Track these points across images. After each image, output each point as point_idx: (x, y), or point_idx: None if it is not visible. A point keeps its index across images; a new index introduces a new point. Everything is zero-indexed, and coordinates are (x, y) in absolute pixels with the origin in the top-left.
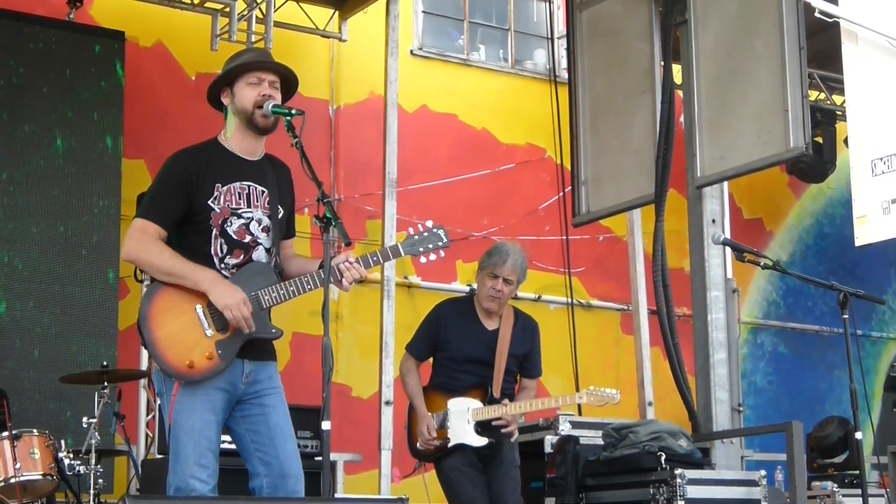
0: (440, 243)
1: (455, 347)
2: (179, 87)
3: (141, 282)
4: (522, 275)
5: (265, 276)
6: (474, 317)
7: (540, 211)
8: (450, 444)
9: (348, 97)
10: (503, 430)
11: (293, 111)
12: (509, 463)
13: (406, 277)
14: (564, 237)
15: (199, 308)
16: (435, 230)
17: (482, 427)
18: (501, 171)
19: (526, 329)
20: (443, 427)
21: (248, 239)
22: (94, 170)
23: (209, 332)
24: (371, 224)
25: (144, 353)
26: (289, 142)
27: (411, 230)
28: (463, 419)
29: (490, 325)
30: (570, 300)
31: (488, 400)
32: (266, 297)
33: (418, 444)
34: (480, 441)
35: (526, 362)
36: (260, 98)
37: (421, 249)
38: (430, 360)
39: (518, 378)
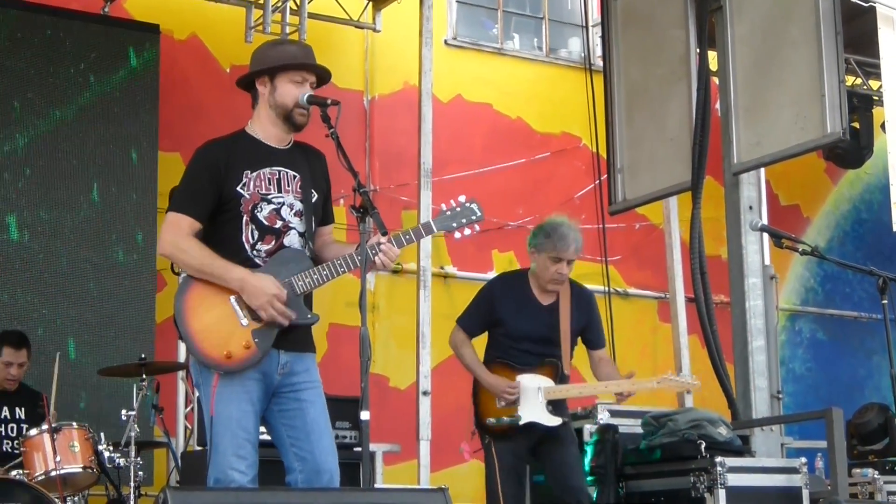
0: (474, 217)
1: (511, 324)
2: (214, 80)
3: (178, 274)
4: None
5: (298, 261)
6: (529, 293)
7: (576, 199)
8: (521, 423)
9: (383, 88)
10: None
11: (329, 101)
12: (570, 440)
13: (442, 267)
14: (601, 226)
15: (232, 299)
16: (468, 204)
17: (553, 406)
18: (536, 160)
19: (581, 300)
20: (513, 403)
21: (279, 224)
22: (129, 163)
23: (244, 321)
24: (406, 214)
25: (182, 345)
26: (323, 132)
27: (443, 206)
28: (534, 397)
29: (546, 300)
30: (607, 289)
31: (559, 378)
32: (300, 283)
33: (499, 404)
34: (553, 421)
35: (588, 333)
36: (301, 96)
37: (454, 224)
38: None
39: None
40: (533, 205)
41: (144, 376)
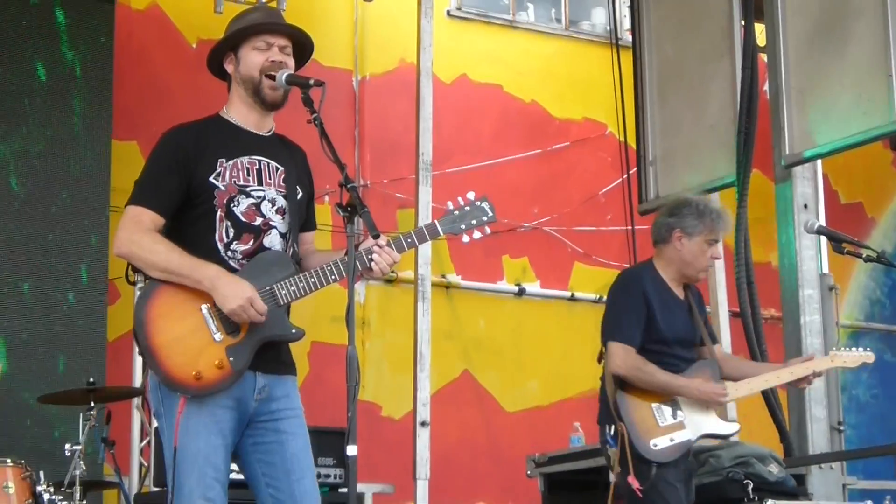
0: (485, 218)
1: (666, 327)
2: (178, 57)
3: (133, 284)
4: None
5: (281, 266)
6: (668, 287)
7: (600, 197)
8: (695, 438)
9: (375, 66)
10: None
11: (311, 81)
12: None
13: (444, 276)
14: (629, 227)
15: (204, 308)
16: (478, 203)
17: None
18: (554, 151)
19: (692, 291)
20: (675, 419)
21: (258, 221)
22: (74, 153)
23: (217, 335)
24: (402, 214)
25: (138, 368)
26: (303, 121)
27: (450, 204)
28: (699, 406)
29: (681, 294)
30: None
31: (717, 382)
32: (283, 292)
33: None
34: (731, 427)
35: (708, 327)
36: (268, 64)
37: (463, 227)
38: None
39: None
40: (550, 203)
41: (93, 404)
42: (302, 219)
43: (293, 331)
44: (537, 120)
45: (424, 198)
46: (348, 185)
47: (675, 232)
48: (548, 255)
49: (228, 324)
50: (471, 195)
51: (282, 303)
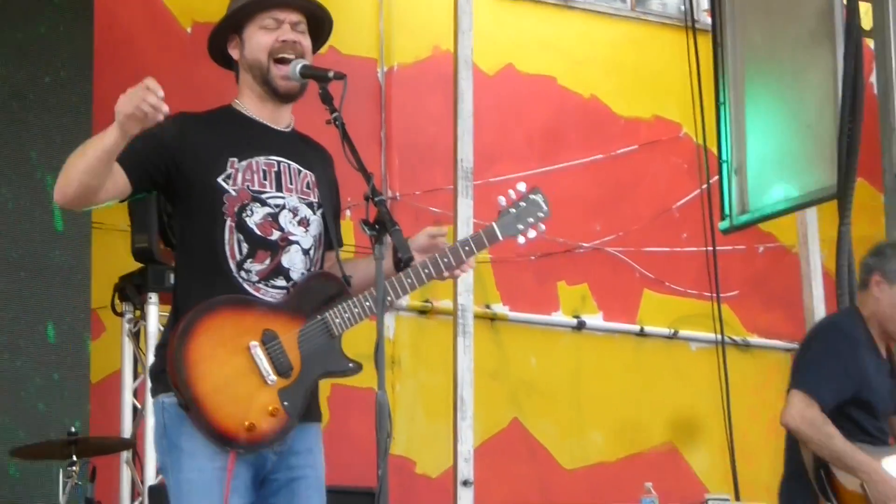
0: (541, 214)
1: (875, 391)
2: (170, 43)
3: (121, 314)
4: None
5: (331, 289)
6: (875, 344)
7: (674, 211)
8: None
9: (404, 54)
10: None
11: (330, 74)
12: None
13: (488, 306)
14: (709, 248)
15: (254, 346)
16: (532, 197)
17: None
18: (619, 156)
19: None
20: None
21: (275, 235)
22: (46, 158)
23: (271, 377)
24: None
25: (127, 414)
26: (320, 118)
27: (502, 201)
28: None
29: (884, 352)
30: (719, 337)
31: None
32: (337, 321)
33: None
34: None
35: None
36: (278, 45)
37: (520, 227)
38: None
39: None
40: (614, 219)
41: (75, 458)
42: (332, 233)
43: (350, 365)
44: (598, 119)
45: (464, 212)
46: (375, 199)
47: (875, 275)
48: (612, 281)
49: (281, 362)
50: (522, 187)
51: (336, 333)
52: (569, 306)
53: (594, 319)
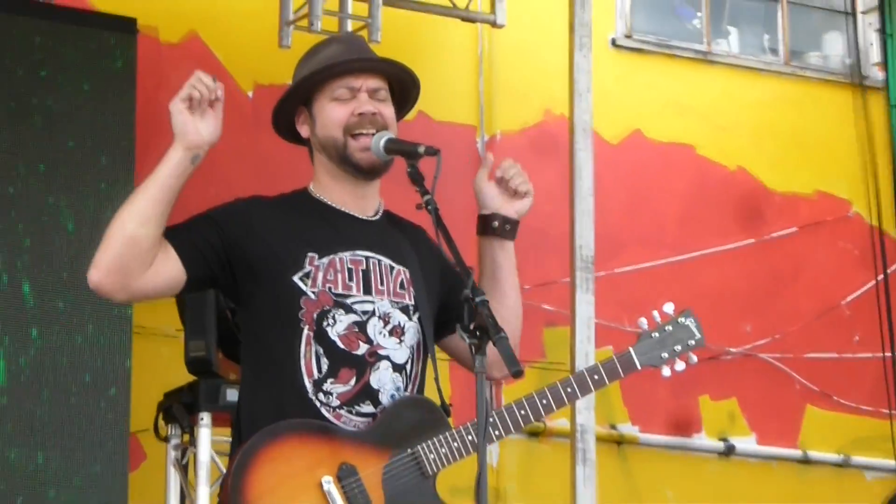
0: (692, 341)
1: None
2: (228, 109)
3: (165, 440)
4: None
5: (425, 418)
6: None
7: (843, 308)
8: None
9: (508, 120)
10: None
11: (420, 149)
12: None
13: (614, 426)
14: (888, 354)
15: (327, 482)
16: (681, 321)
17: None
18: (773, 241)
19: None
20: None
21: (362, 350)
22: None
23: None
24: (552, 334)
25: None
26: (411, 200)
27: (643, 323)
28: None
29: None
30: None
31: None
32: (432, 457)
33: None
34: None
35: None
36: (354, 120)
37: (665, 355)
38: None
39: None
40: (768, 317)
41: None
42: (430, 342)
43: None
44: (747, 195)
45: (584, 311)
46: (477, 299)
47: None
48: (766, 394)
49: (359, 498)
50: (669, 308)
51: (429, 472)
52: (714, 426)
53: (746, 443)
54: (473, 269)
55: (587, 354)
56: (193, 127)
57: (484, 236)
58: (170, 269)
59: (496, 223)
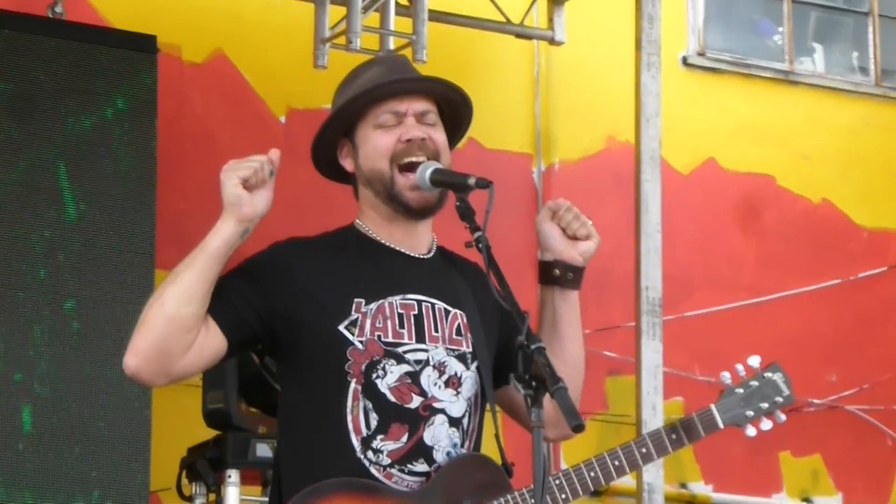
0: (779, 399)
1: None
2: (258, 135)
3: (189, 499)
4: None
5: (484, 473)
6: None
7: None
8: None
9: (567, 148)
10: None
11: (470, 181)
12: None
13: (684, 485)
14: None
15: None
16: (768, 375)
17: None
18: (861, 281)
19: None
20: None
21: (415, 403)
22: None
23: None
24: (615, 384)
25: None
26: (454, 228)
27: (726, 378)
28: None
29: None
30: None
31: None
32: None
33: None
34: None
35: None
36: (401, 147)
37: (750, 413)
38: None
39: None
40: (856, 366)
41: None
42: (490, 394)
43: None
44: (833, 231)
45: (651, 359)
46: (532, 346)
47: None
48: (854, 450)
49: None
50: (755, 361)
51: None
52: (795, 485)
53: (831, 503)
54: (528, 312)
55: (654, 406)
56: (248, 199)
57: (545, 285)
58: (212, 343)
59: (557, 271)
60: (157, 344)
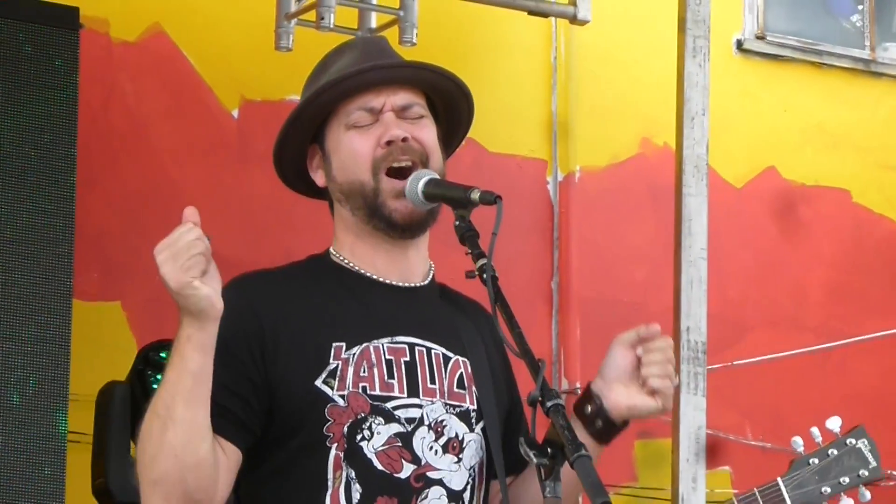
0: (864, 472)
1: None
2: (204, 132)
3: None
4: None
5: None
6: None
7: None
8: None
9: (592, 152)
10: None
11: (473, 195)
12: None
13: None
14: None
15: None
16: (851, 442)
17: None
18: None
19: None
20: None
21: (407, 472)
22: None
23: None
24: (645, 449)
25: None
26: (452, 253)
27: (797, 444)
28: None
29: None
30: None
31: None
32: None
33: None
34: None
35: None
36: (381, 151)
37: (827, 490)
38: None
39: None
40: None
41: None
42: (499, 461)
43: None
44: None
45: (692, 418)
46: (549, 404)
47: None
48: None
49: None
50: (834, 424)
51: None
52: None
53: None
54: (544, 361)
55: (695, 478)
56: (215, 292)
57: (573, 416)
58: (233, 460)
59: (589, 408)
60: (189, 496)
